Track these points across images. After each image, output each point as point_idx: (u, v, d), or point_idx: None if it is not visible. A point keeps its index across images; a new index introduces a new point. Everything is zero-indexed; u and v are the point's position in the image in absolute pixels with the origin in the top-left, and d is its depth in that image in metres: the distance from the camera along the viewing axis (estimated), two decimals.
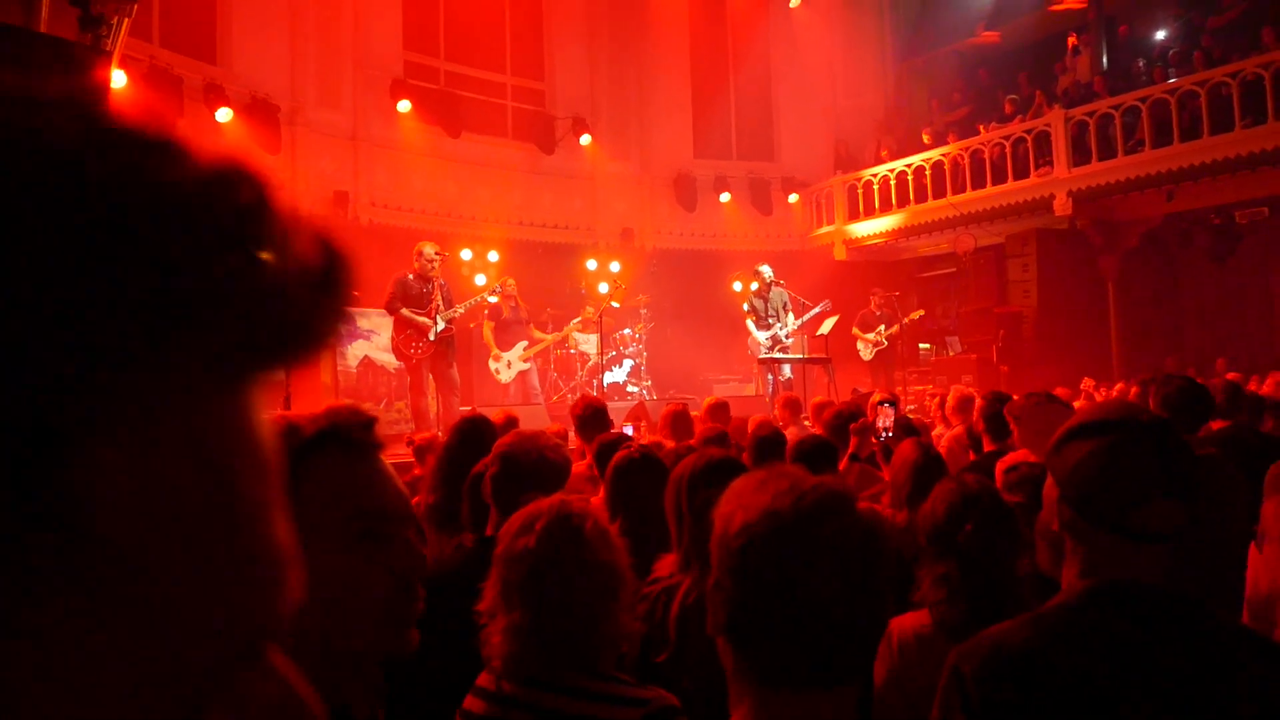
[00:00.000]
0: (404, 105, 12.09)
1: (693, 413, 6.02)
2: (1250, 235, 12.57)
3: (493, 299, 9.54)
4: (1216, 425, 3.73)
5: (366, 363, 9.56)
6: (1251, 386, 5.95)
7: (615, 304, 11.02)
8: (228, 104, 10.19)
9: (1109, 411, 1.16)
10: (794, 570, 0.85)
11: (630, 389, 11.31)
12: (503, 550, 1.47)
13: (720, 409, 5.51)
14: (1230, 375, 6.96)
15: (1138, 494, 1.11)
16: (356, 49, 12.17)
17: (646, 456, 2.55)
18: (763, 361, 10.46)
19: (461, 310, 8.11)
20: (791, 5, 15.45)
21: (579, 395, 8.77)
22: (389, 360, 8.97)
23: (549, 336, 10.25)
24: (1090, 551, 1.15)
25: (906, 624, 2.04)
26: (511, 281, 9.76)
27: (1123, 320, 12.71)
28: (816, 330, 10.85)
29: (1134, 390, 5.86)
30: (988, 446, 3.82)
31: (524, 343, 9.62)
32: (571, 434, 5.08)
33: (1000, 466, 2.87)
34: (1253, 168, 10.50)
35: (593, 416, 4.70)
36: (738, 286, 13.00)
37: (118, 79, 8.75)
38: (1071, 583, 1.16)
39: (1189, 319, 14.11)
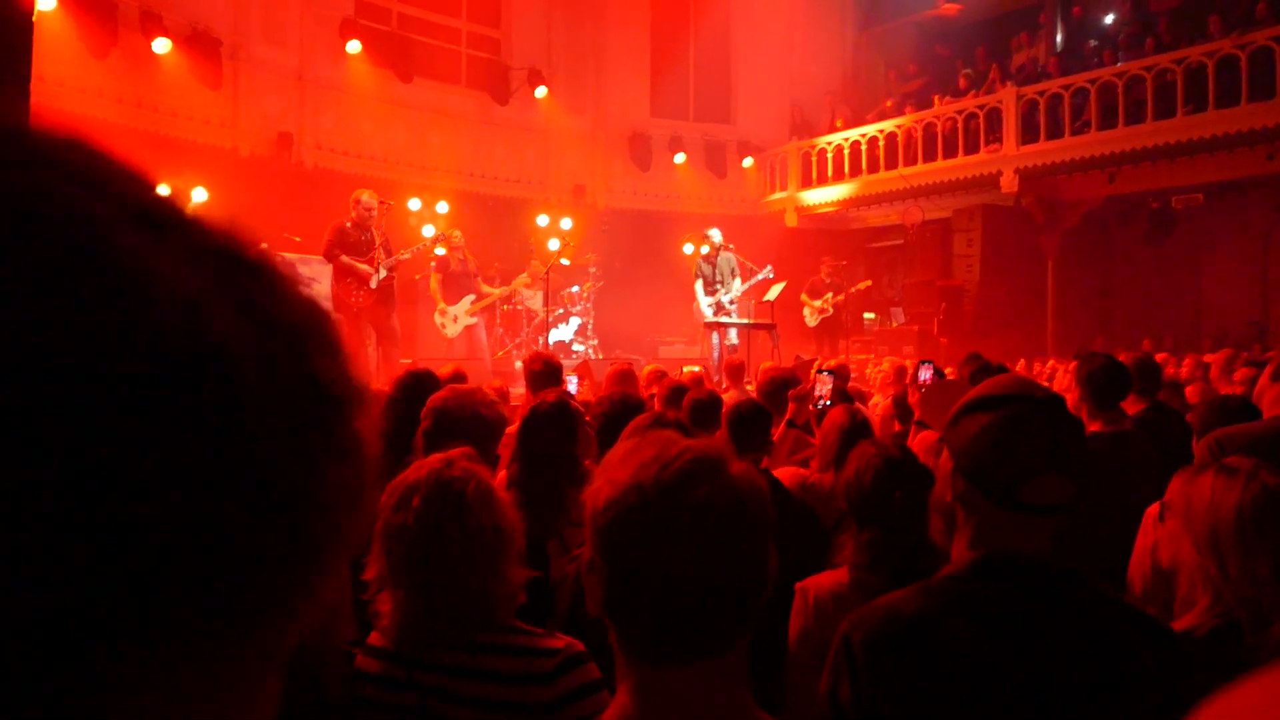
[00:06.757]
0: (354, 46, 11.69)
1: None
2: (1184, 221, 12.94)
3: (440, 250, 9.36)
4: (1132, 402, 3.85)
5: None
6: (1170, 370, 6.16)
7: (564, 261, 10.91)
8: (165, 34, 9.75)
9: (1004, 387, 1.18)
10: (657, 545, 0.82)
11: (575, 347, 11.27)
12: (381, 524, 1.39)
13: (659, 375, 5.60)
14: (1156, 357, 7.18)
15: (1027, 468, 1.14)
16: None
17: (557, 404, 2.53)
18: (709, 325, 10.50)
19: (407, 255, 7.91)
20: None
21: (528, 351, 8.73)
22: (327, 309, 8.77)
23: (497, 291, 10.12)
24: (981, 523, 1.18)
25: (824, 583, 2.05)
26: (458, 234, 9.58)
27: (1059, 298, 13.03)
28: (764, 296, 10.91)
29: (1069, 367, 6.03)
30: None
31: (471, 297, 9.46)
32: (519, 389, 5.07)
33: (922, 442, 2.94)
34: (1190, 154, 10.76)
35: (545, 372, 4.69)
36: (689, 249, 12.98)
37: (45, 2, 8.31)
38: (961, 553, 1.19)
39: (1121, 300, 14.53)
